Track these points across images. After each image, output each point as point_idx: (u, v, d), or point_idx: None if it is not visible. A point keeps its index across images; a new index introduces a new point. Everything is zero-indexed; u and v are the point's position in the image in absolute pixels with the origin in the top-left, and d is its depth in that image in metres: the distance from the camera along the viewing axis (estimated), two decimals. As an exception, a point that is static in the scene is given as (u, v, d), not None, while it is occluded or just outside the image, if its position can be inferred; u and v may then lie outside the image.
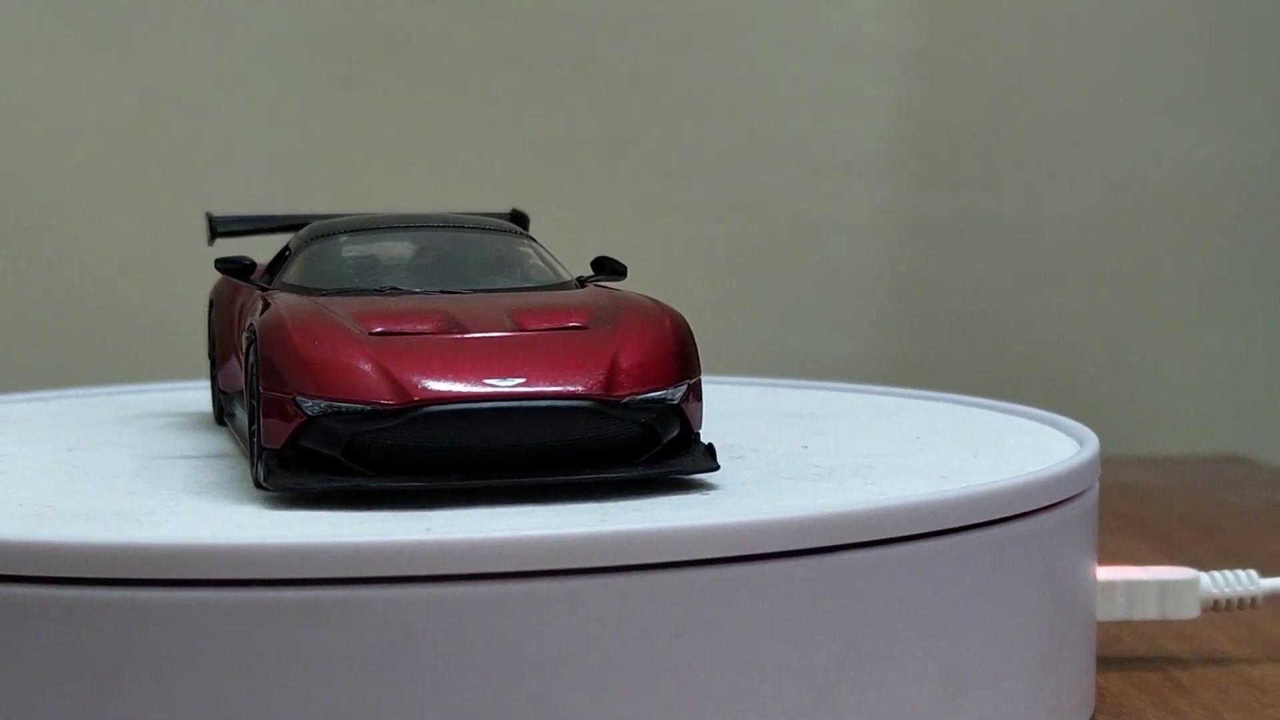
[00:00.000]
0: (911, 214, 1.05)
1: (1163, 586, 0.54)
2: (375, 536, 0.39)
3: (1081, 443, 0.52)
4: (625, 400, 0.44)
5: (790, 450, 0.52)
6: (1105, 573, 0.53)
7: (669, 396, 0.45)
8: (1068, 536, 0.48)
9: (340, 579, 0.39)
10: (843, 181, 1.04)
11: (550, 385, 0.44)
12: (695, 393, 0.46)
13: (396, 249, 0.51)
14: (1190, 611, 0.54)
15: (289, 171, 1.02)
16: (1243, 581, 0.55)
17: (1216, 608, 0.55)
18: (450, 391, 0.43)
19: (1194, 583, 0.54)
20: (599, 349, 0.45)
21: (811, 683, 0.41)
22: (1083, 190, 1.06)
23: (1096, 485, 0.51)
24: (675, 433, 0.45)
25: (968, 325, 1.05)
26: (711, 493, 0.45)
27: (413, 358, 0.44)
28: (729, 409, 0.60)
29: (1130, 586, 0.53)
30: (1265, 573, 0.56)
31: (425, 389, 0.43)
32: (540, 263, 0.51)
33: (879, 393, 0.64)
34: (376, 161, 1.02)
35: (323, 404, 0.43)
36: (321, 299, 0.48)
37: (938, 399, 0.62)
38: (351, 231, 0.52)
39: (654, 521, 0.41)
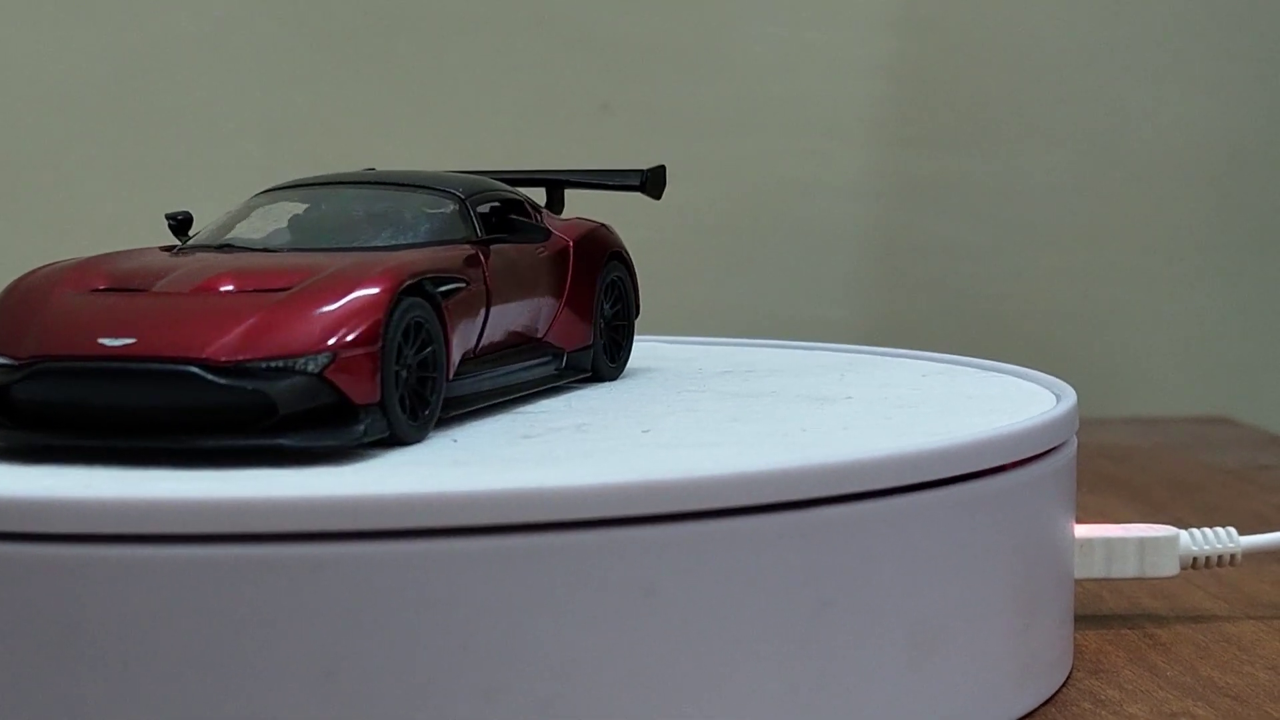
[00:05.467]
0: (894, 176, 1.04)
1: (1142, 544, 0.53)
2: (359, 490, 0.39)
3: (1059, 397, 0.52)
4: (234, 365, 0.42)
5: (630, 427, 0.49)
6: (1084, 530, 0.52)
7: (301, 365, 0.42)
8: (1044, 492, 0.47)
9: (305, 534, 0.38)
10: (825, 143, 1.04)
11: (158, 348, 0.42)
12: (355, 364, 0.43)
13: (303, 207, 0.51)
14: (1169, 569, 0.54)
15: (270, 134, 1.01)
16: (1222, 539, 0.55)
17: (1196, 565, 0.55)
18: (58, 349, 0.43)
19: (1173, 540, 0.54)
20: (242, 313, 0.43)
21: (783, 639, 0.41)
22: (1065, 152, 1.05)
23: (1074, 440, 0.50)
24: (315, 403, 0.42)
25: (950, 287, 1.05)
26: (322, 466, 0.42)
27: (66, 315, 0.44)
28: (698, 367, 0.60)
29: (1109, 544, 0.53)
30: (1244, 531, 0.56)
31: (41, 346, 0.44)
32: (444, 225, 0.50)
33: (853, 351, 0.64)
34: (358, 124, 1.02)
35: None
36: (128, 254, 0.49)
37: (912, 356, 0.62)
38: (293, 188, 0.53)
39: (587, 477, 0.40)
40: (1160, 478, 0.82)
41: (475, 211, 0.51)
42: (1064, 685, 0.49)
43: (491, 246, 0.51)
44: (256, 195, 0.53)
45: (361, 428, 0.43)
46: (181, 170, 1.01)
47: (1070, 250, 1.05)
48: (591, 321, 0.55)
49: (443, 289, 0.47)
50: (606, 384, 0.56)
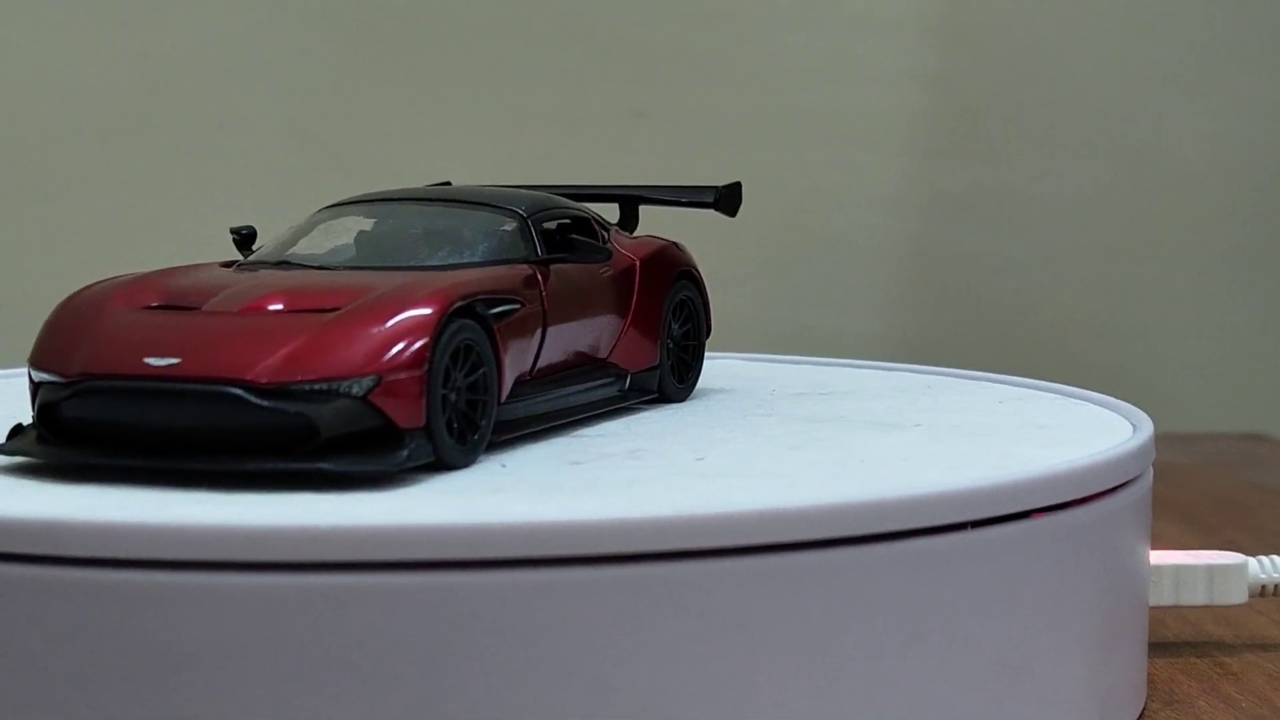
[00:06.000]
0: (928, 189, 1.04)
1: (1211, 571, 0.53)
2: (443, 519, 0.38)
3: (1136, 425, 0.51)
4: (277, 388, 0.41)
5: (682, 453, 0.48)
6: (1154, 557, 0.52)
7: (345, 388, 0.42)
8: (1127, 520, 0.47)
9: (392, 563, 0.37)
10: (859, 155, 1.03)
11: (202, 369, 0.42)
12: (400, 387, 0.42)
13: (366, 223, 0.51)
14: (1238, 597, 0.53)
15: (300, 141, 1.01)
16: (1292, 567, 0.54)
17: (1264, 593, 0.54)
18: (105, 368, 0.43)
19: (1243, 568, 0.53)
20: (288, 334, 0.43)
21: (875, 671, 0.40)
22: (1100, 165, 1.05)
23: (1151, 469, 0.50)
24: (358, 427, 0.42)
25: (983, 300, 1.04)
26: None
27: (114, 333, 0.44)
28: (745, 384, 0.59)
29: (1179, 571, 0.52)
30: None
31: (88, 364, 0.43)
32: (503, 244, 0.50)
33: (933, 373, 0.63)
34: (388, 133, 1.01)
35: (38, 374, 0.45)
36: (186, 270, 0.49)
37: (992, 380, 0.61)
38: (358, 203, 0.52)
39: (676, 509, 0.39)
40: (1206, 498, 0.81)
41: (537, 230, 0.51)
42: (1140, 717, 0.49)
43: (551, 266, 0.50)
44: (322, 210, 0.53)
45: (405, 453, 0.42)
46: (211, 177, 1.00)
47: (1105, 264, 1.05)
48: (657, 341, 0.55)
49: (495, 311, 0.46)
50: (674, 405, 0.55)
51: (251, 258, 0.51)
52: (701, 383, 0.58)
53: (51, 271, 0.98)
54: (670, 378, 0.56)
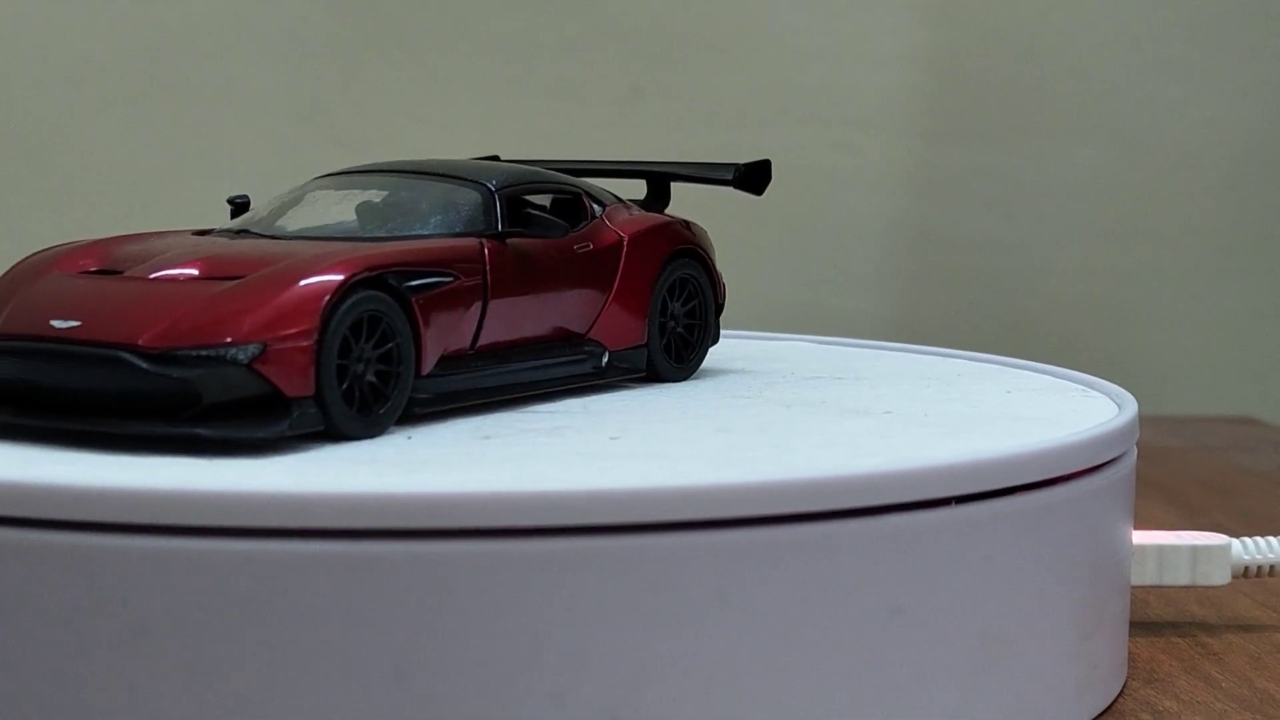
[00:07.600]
0: (924, 169, 1.04)
1: (1194, 552, 0.53)
2: (418, 488, 0.38)
3: (1120, 405, 0.51)
4: (162, 353, 0.42)
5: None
6: (1137, 537, 0.52)
7: (231, 355, 0.42)
8: (1110, 500, 0.47)
9: (376, 531, 0.38)
10: (856, 135, 1.03)
11: (98, 332, 0.43)
12: (286, 356, 0.42)
13: (336, 195, 0.51)
14: (1221, 578, 0.53)
15: (299, 115, 1.01)
16: (1274, 549, 0.54)
17: (1246, 574, 0.54)
18: (16, 328, 0.44)
19: (1225, 549, 0.54)
20: (184, 301, 0.43)
21: (856, 646, 0.40)
22: (1096, 149, 1.05)
23: (1134, 448, 0.50)
24: (243, 394, 0.42)
25: (979, 282, 1.04)
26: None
27: (38, 295, 0.45)
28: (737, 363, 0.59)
29: (1161, 551, 0.53)
30: (1285, 537, 0.55)
31: (6, 324, 0.45)
32: (458, 217, 0.50)
33: (982, 360, 0.63)
34: (387, 106, 1.01)
35: None
36: (141, 237, 0.49)
37: (1030, 369, 0.60)
38: (343, 174, 0.53)
39: (665, 481, 0.39)
40: (1194, 480, 0.81)
41: (503, 204, 0.50)
42: (1120, 695, 0.49)
43: (508, 240, 0.50)
44: (310, 180, 0.53)
45: (287, 422, 0.42)
46: (213, 149, 1.00)
47: (1098, 248, 1.05)
48: (644, 319, 0.54)
49: (414, 283, 0.46)
50: (660, 385, 0.54)
51: (223, 226, 0.51)
52: (721, 362, 0.56)
53: (49, 241, 0.98)
54: (663, 356, 0.55)
